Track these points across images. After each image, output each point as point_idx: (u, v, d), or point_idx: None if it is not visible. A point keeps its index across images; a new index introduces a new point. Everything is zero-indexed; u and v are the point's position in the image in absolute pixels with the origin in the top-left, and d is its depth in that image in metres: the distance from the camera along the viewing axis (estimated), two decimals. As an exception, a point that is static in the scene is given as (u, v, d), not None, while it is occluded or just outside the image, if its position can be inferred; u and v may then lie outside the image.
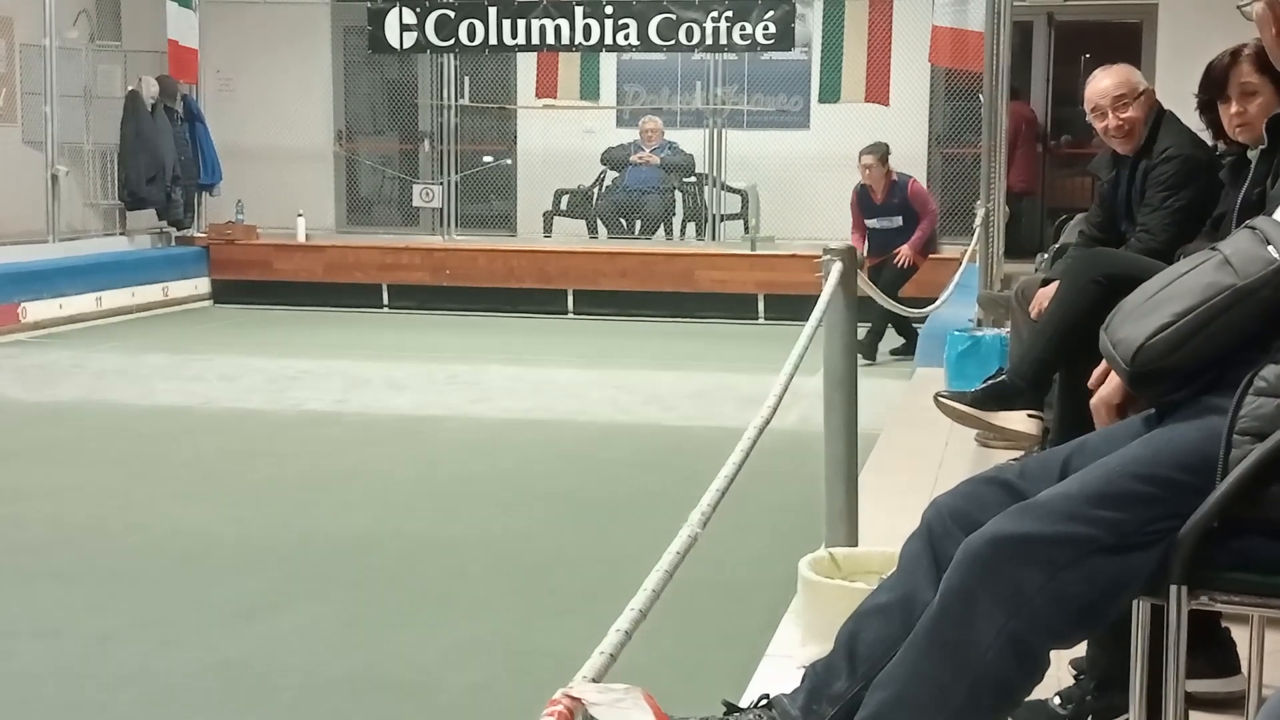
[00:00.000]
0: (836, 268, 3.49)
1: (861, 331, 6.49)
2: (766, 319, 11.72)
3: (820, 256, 3.64)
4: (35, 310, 10.96)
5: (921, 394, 5.86)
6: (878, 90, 12.64)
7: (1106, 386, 2.22)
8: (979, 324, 6.75)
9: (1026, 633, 1.92)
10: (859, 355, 8.64)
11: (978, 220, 7.73)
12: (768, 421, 2.63)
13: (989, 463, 4.66)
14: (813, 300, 3.52)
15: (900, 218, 9.56)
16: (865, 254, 9.37)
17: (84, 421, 7.60)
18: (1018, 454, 4.57)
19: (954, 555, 1.99)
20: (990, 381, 4.40)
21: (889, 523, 3.59)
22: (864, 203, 9.68)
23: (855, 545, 3.56)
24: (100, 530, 5.41)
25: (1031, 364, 4.24)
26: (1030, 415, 4.34)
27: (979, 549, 1.94)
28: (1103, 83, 4.43)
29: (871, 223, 9.67)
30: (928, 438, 5.50)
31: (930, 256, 9.78)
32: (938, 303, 7.50)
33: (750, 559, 4.79)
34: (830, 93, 12.88)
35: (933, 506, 2.16)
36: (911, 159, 12.94)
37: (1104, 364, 2.24)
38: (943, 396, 4.50)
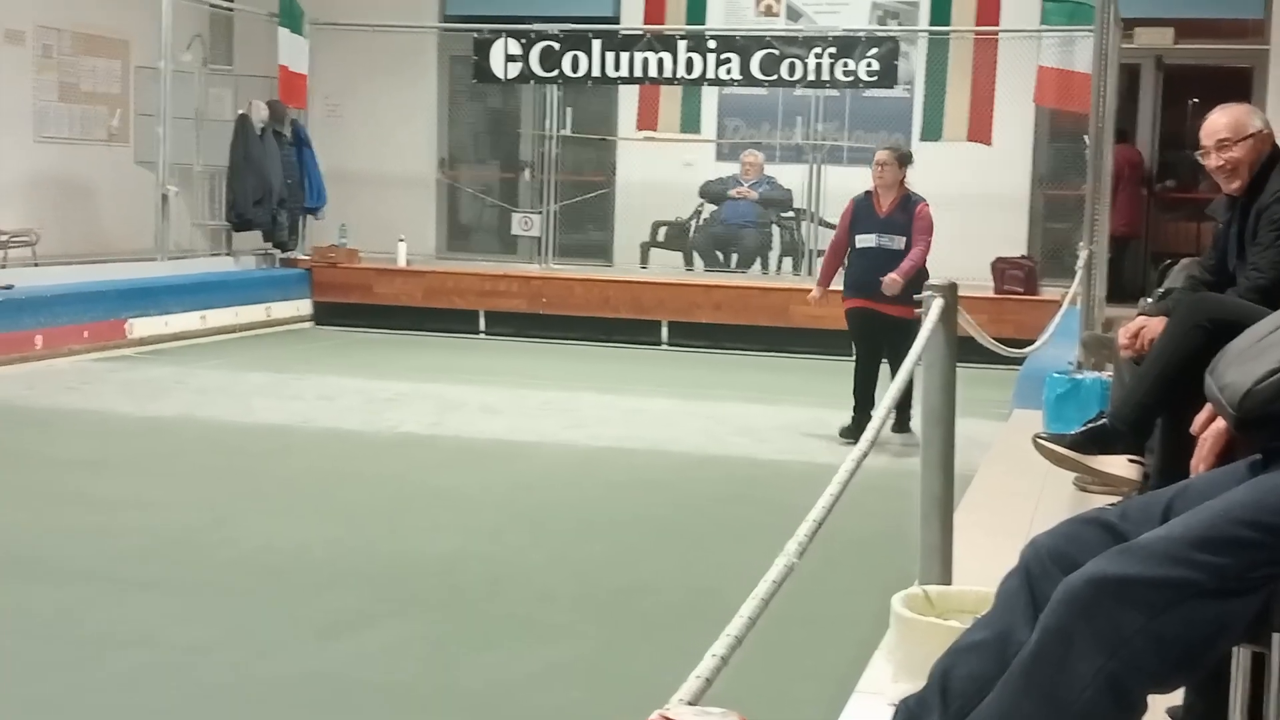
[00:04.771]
0: (937, 304, 3.46)
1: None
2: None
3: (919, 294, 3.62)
4: (142, 326, 11.19)
5: (1018, 436, 5.79)
6: (980, 129, 12.56)
7: (1213, 427, 2.19)
8: (1079, 366, 6.66)
9: (1124, 675, 1.89)
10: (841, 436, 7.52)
11: (1080, 262, 7.63)
12: (865, 454, 2.61)
13: (1086, 507, 4.60)
14: (909, 339, 3.49)
15: (905, 239, 7.75)
16: (844, 284, 7.95)
17: (185, 436, 7.73)
18: (1116, 499, 4.49)
19: (1052, 595, 1.96)
20: (1090, 424, 4.34)
21: (982, 563, 3.54)
22: (861, 215, 7.86)
23: (949, 584, 3.52)
24: (195, 543, 5.50)
25: (1133, 408, 4.17)
26: (1131, 460, 4.27)
27: (1078, 589, 1.92)
28: (1213, 122, 4.38)
29: (865, 240, 7.79)
30: (1024, 480, 5.43)
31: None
32: (1036, 344, 7.41)
33: (840, 594, 4.75)
34: (932, 131, 12.83)
35: (1031, 545, 2.14)
36: (1014, 199, 12.87)
37: (1208, 408, 2.21)
38: (1041, 438, 4.45)
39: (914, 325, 7.47)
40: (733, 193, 13.06)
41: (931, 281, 3.61)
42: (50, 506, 5.99)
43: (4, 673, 4.02)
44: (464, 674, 4.17)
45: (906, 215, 7.74)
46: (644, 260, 13.46)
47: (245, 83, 13.78)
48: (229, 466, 6.99)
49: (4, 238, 11.17)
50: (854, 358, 7.96)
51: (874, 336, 7.80)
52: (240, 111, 13.11)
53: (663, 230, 13.48)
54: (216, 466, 6.99)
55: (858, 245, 7.82)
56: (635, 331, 12.36)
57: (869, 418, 7.33)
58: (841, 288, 8.00)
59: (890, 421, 7.52)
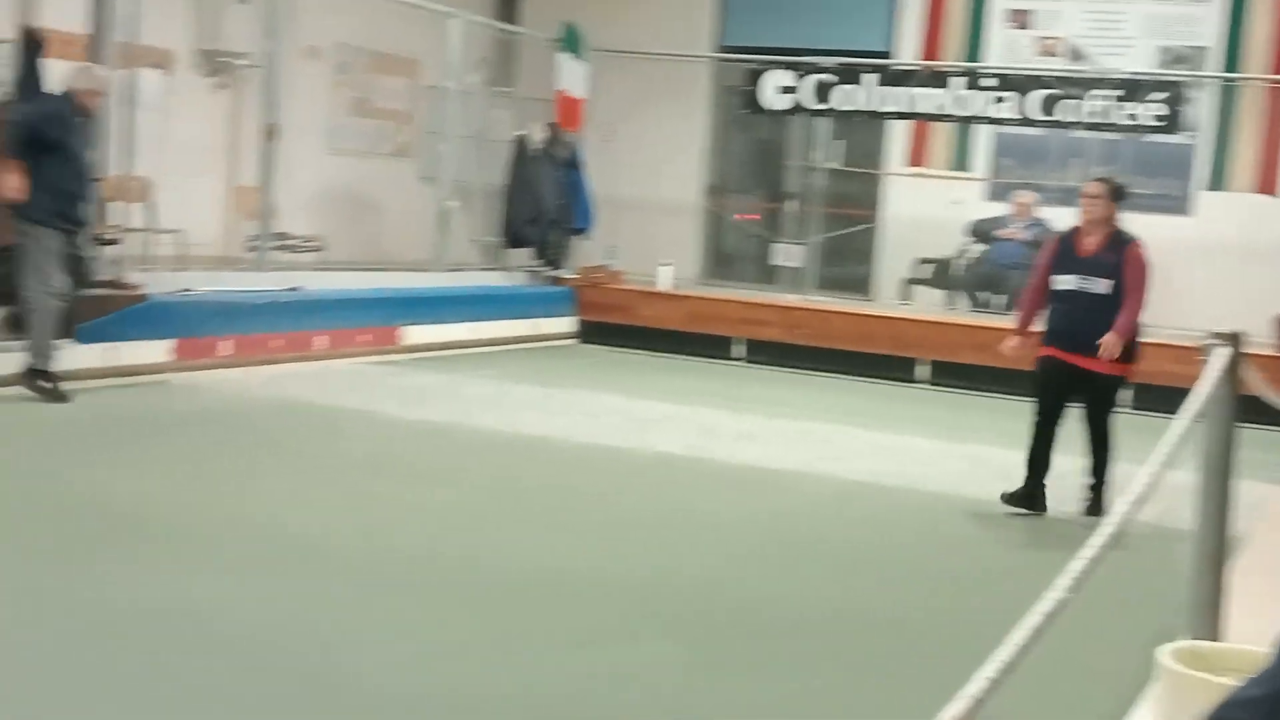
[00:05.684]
0: (1221, 354, 3.39)
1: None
2: (1132, 408, 11.32)
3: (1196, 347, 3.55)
4: (414, 334, 11.65)
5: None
6: (1269, 180, 12.10)
7: None
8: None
9: None
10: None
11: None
12: (1138, 505, 2.59)
13: (1367, 576, 4.40)
14: (1180, 392, 3.40)
15: (1112, 283, 6.86)
16: (1040, 330, 7.14)
17: (454, 443, 8.02)
18: (1401, 570, 4.30)
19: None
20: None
21: (1254, 623, 3.45)
22: (1062, 253, 7.05)
23: (1217, 641, 3.43)
24: (460, 547, 5.70)
25: None
26: None
27: (1363, 650, 1.87)
28: None
29: (1064, 281, 6.96)
30: (1300, 544, 5.24)
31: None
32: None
33: (1099, 643, 4.65)
34: (1217, 180, 12.42)
35: (1315, 603, 2.09)
36: (1300, 253, 12.34)
37: None
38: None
39: (1119, 384, 7.05)
40: (1001, 233, 12.88)
41: (1217, 330, 3.53)
42: (332, 503, 6.30)
43: (273, 663, 4.25)
44: (712, 696, 4.22)
45: (1114, 255, 6.89)
46: (903, 296, 13.37)
47: (525, 105, 14.23)
48: (494, 475, 7.22)
49: (294, 242, 11.77)
50: (1035, 413, 7.05)
51: (1065, 394, 6.99)
52: (518, 132, 13.54)
53: (926, 267, 13.39)
54: (482, 474, 7.23)
55: (1056, 287, 7.00)
56: (892, 368, 12.28)
57: (1043, 486, 6.98)
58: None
59: (1083, 499, 7.00)
